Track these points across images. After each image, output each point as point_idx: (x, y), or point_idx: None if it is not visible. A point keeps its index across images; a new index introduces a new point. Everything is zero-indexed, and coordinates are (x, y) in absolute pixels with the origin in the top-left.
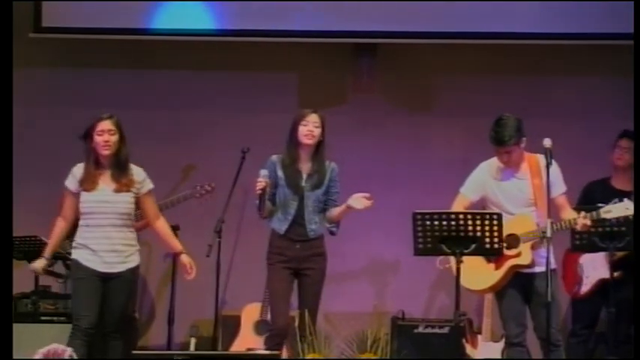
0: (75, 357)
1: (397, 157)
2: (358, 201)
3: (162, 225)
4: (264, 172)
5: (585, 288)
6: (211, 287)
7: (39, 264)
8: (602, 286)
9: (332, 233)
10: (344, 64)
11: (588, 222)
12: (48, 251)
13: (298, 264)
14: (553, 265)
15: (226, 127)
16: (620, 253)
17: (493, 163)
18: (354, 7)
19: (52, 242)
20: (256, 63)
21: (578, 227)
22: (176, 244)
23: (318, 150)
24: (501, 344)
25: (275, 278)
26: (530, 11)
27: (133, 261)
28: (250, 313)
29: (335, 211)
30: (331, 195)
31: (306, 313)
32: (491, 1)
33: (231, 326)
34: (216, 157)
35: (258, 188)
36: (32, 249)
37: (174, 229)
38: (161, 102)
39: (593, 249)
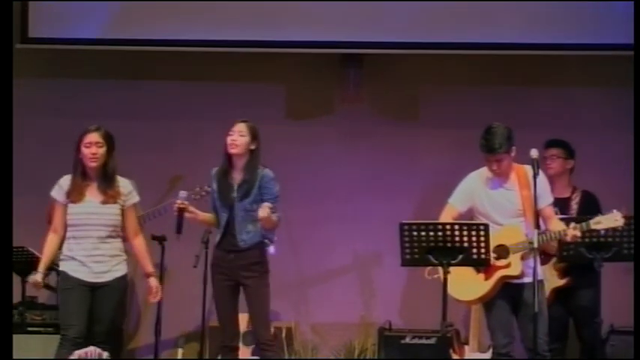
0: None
1: (384, 168)
2: (261, 209)
3: (140, 243)
4: (182, 193)
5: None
6: (198, 298)
7: (38, 277)
8: (557, 295)
9: (269, 241)
10: (331, 75)
11: (578, 233)
12: (43, 265)
13: (236, 274)
14: (541, 276)
15: (213, 138)
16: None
17: (482, 173)
18: (341, 18)
19: (45, 256)
20: (244, 74)
21: (569, 238)
22: (148, 265)
23: (251, 159)
24: (488, 355)
25: (216, 292)
26: (518, 22)
27: (120, 270)
28: None
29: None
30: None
31: (254, 321)
32: (481, 6)
33: (218, 337)
34: (204, 168)
35: (175, 209)
36: (20, 260)
37: (161, 239)
38: (148, 112)
39: (581, 260)
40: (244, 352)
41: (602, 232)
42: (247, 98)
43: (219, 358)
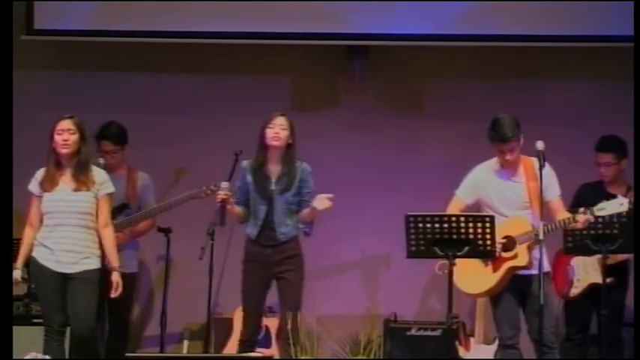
0: None
1: (390, 159)
2: (321, 201)
3: (108, 234)
4: (224, 184)
5: (576, 290)
6: (204, 290)
7: (16, 274)
8: (592, 290)
9: (306, 234)
10: (336, 67)
11: (591, 217)
12: (20, 260)
13: (272, 269)
14: (547, 268)
15: (219, 130)
16: (612, 259)
17: (489, 165)
18: (347, 10)
19: (22, 251)
20: (249, 66)
21: (580, 224)
22: (114, 259)
23: (288, 152)
24: (494, 347)
25: (246, 286)
26: (524, 13)
27: (90, 264)
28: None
29: (304, 213)
30: (303, 196)
31: (293, 317)
32: (485, 1)
33: (223, 329)
34: (209, 160)
35: (217, 200)
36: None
37: (167, 231)
38: (154, 105)
39: (586, 251)
40: None
41: (607, 218)
42: (252, 90)
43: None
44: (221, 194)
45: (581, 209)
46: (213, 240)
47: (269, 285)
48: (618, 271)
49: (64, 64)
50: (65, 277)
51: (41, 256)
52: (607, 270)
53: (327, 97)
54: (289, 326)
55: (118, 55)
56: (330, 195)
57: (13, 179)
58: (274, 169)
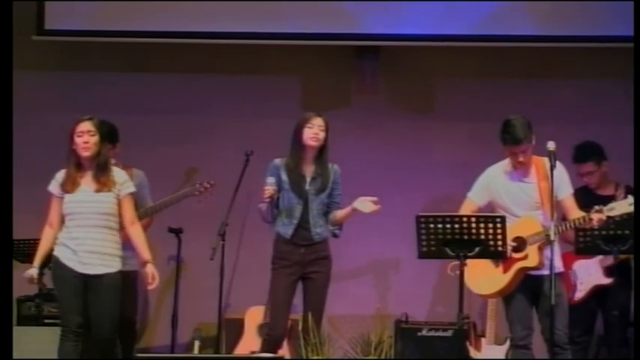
0: None
1: (400, 160)
2: (365, 204)
3: (136, 231)
4: (271, 179)
5: (580, 294)
6: (215, 290)
7: (33, 273)
8: (596, 292)
9: (335, 236)
10: (347, 67)
11: (604, 217)
12: (37, 260)
13: (303, 268)
14: (560, 269)
15: (229, 131)
16: (614, 259)
17: (501, 167)
18: (357, 10)
19: (40, 250)
20: (259, 66)
21: (595, 223)
22: (145, 253)
23: (322, 153)
24: (505, 347)
25: (277, 285)
26: (534, 14)
27: (113, 266)
28: (254, 316)
29: (339, 214)
30: (334, 197)
31: (311, 316)
32: (495, 0)
33: (234, 329)
34: (220, 160)
35: (266, 196)
36: (34, 252)
37: (178, 232)
38: (164, 105)
39: (597, 252)
40: (258, 342)
41: (617, 218)
42: (263, 91)
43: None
44: (270, 190)
45: (596, 207)
46: (224, 240)
47: (297, 284)
48: (621, 271)
49: (75, 64)
50: (87, 279)
51: (64, 255)
52: (610, 270)
53: (337, 97)
54: (301, 326)
55: (128, 56)
56: (374, 198)
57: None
58: (308, 169)
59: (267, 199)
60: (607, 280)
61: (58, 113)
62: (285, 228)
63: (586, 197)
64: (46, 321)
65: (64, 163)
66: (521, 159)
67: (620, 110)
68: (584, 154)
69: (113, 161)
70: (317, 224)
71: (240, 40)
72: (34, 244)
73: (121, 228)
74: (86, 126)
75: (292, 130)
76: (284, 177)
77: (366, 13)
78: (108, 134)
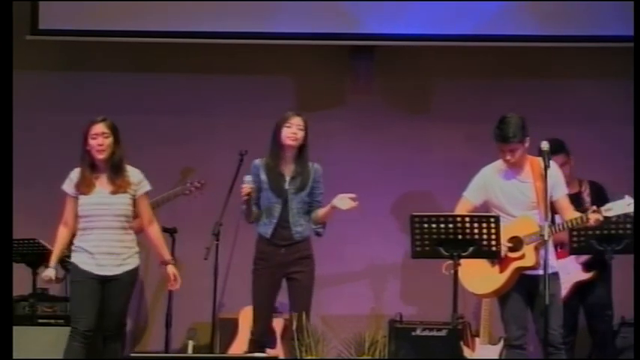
0: None
1: (395, 160)
2: (343, 201)
3: (155, 231)
4: (248, 177)
5: (563, 292)
6: (209, 290)
7: (50, 273)
8: (577, 289)
9: (318, 234)
10: (341, 67)
11: (601, 217)
12: (54, 260)
13: (285, 268)
14: (555, 269)
15: (224, 130)
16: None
17: (496, 166)
18: (352, 9)
19: (56, 250)
20: (253, 66)
21: (592, 222)
22: (165, 253)
23: (302, 152)
24: (499, 347)
25: (259, 287)
26: (531, 13)
27: (131, 263)
28: (248, 316)
29: (320, 212)
30: (315, 196)
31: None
32: (492, 0)
33: (228, 329)
34: (214, 160)
35: (243, 194)
36: (31, 252)
37: (172, 231)
38: (159, 105)
39: (591, 251)
40: None
41: (614, 218)
42: (257, 90)
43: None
44: (246, 188)
45: (593, 207)
46: (218, 240)
47: (280, 284)
48: (598, 266)
49: (69, 64)
50: (104, 280)
51: (82, 261)
52: (587, 265)
53: (332, 97)
54: (295, 326)
55: (123, 56)
56: (352, 195)
57: (20, 178)
58: (288, 168)
59: (244, 197)
60: (586, 275)
61: (52, 113)
62: (265, 227)
63: None
64: (40, 321)
65: (65, 163)
66: (508, 157)
67: (621, 109)
68: (556, 146)
69: None
70: (297, 223)
71: (236, 40)
72: (29, 244)
73: (139, 228)
74: (100, 128)
75: None
76: (263, 176)
77: (361, 13)
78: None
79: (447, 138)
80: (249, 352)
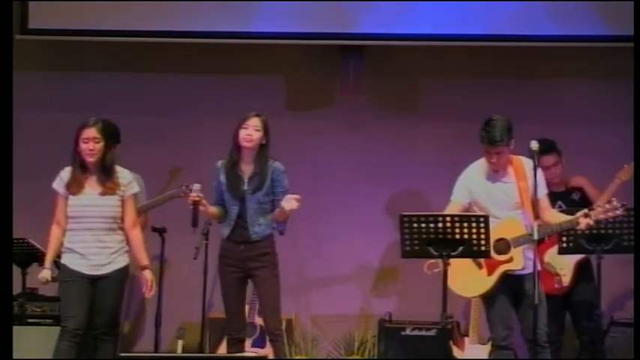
0: None
1: (384, 159)
2: (288, 202)
3: (136, 234)
4: (196, 186)
5: (566, 278)
6: (198, 290)
7: (46, 274)
8: (582, 267)
9: (280, 233)
10: (331, 67)
11: (591, 222)
12: (49, 260)
13: (245, 265)
14: (539, 267)
15: (213, 130)
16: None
17: (481, 165)
18: (341, 9)
19: (50, 250)
20: (243, 66)
21: (582, 227)
22: (143, 258)
23: (261, 152)
24: (488, 346)
25: (224, 284)
26: (519, 13)
27: (121, 261)
28: None
29: (275, 212)
30: (276, 195)
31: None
32: (481, 0)
33: (218, 329)
34: (203, 160)
35: (189, 202)
36: (20, 251)
37: (161, 231)
38: (148, 104)
39: (580, 251)
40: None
41: (603, 222)
42: (247, 90)
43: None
44: (192, 196)
45: (584, 211)
46: (207, 240)
47: (245, 282)
48: (584, 268)
49: (59, 63)
50: (94, 279)
51: (72, 262)
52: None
53: (321, 96)
54: (269, 326)
55: (111, 55)
56: (297, 196)
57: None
58: (247, 168)
59: (191, 205)
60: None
61: (41, 112)
62: (225, 228)
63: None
64: (30, 320)
65: (54, 162)
66: (494, 160)
67: (608, 110)
68: (547, 146)
69: None
70: (255, 223)
71: (225, 39)
72: (18, 243)
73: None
74: (92, 132)
75: (276, 130)
76: (222, 178)
77: (351, 12)
78: (110, 136)
79: (436, 137)
80: (230, 352)
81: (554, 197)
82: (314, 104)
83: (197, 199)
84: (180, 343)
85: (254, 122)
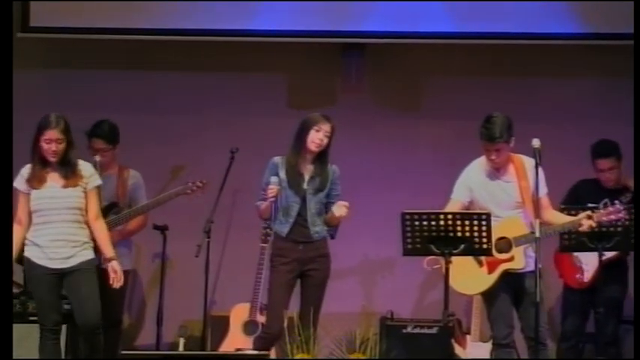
0: None
1: (385, 158)
2: (339, 208)
3: (100, 226)
4: (274, 178)
5: (588, 274)
6: (200, 287)
7: None
8: (590, 288)
9: (331, 237)
10: (332, 65)
11: (594, 223)
12: (14, 260)
13: (302, 265)
14: (540, 265)
15: (215, 128)
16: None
17: (481, 163)
18: (342, 7)
19: (13, 250)
20: (245, 64)
21: (584, 228)
22: (109, 250)
23: (323, 155)
24: (490, 344)
25: (276, 283)
26: (521, 11)
27: (86, 255)
28: (239, 313)
29: (328, 216)
30: (332, 198)
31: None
32: (481, 0)
33: (220, 326)
34: (205, 158)
35: (270, 195)
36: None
37: (163, 229)
38: (150, 103)
39: (582, 249)
40: (246, 341)
41: (606, 223)
42: (248, 88)
43: (253, 346)
44: (273, 189)
45: (586, 213)
46: (209, 238)
47: (295, 283)
48: (615, 268)
49: (60, 62)
50: (61, 274)
51: (35, 255)
52: (604, 267)
53: (323, 95)
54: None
55: (113, 53)
56: (346, 203)
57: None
58: (307, 168)
59: (271, 198)
60: (611, 254)
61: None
62: (282, 226)
63: (595, 191)
64: (31, 318)
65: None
66: (493, 157)
67: (608, 109)
68: (607, 148)
69: (98, 158)
70: (315, 223)
71: (227, 37)
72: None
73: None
74: (55, 134)
75: (278, 128)
76: (282, 175)
77: (352, 11)
78: (109, 135)
79: (438, 135)
80: (255, 349)
81: (607, 194)
82: (315, 102)
83: (277, 192)
84: (181, 340)
85: (327, 128)
